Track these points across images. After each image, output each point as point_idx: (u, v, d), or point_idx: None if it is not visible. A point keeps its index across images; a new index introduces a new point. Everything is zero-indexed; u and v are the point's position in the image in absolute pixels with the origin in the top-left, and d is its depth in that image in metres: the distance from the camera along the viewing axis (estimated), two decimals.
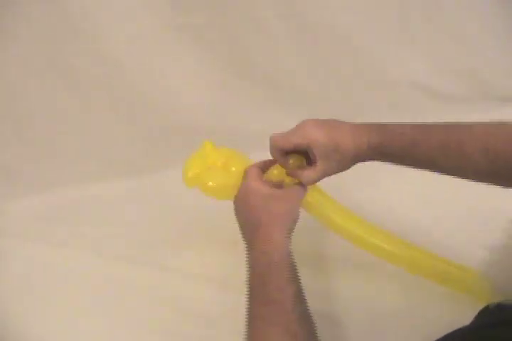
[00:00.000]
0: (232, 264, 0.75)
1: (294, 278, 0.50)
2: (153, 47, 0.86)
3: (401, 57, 0.98)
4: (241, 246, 0.77)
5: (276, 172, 0.60)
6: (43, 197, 0.90)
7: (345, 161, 0.56)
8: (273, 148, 0.58)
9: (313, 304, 0.51)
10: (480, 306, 0.48)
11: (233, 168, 0.62)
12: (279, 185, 0.59)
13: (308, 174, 0.56)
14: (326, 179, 0.58)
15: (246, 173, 0.59)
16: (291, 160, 0.60)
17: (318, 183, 0.60)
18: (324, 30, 0.91)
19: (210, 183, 0.60)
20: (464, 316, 0.47)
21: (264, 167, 0.61)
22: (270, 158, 0.61)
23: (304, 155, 0.59)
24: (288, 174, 0.59)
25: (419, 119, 0.97)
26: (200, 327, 0.67)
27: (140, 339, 0.67)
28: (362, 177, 0.74)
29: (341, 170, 0.58)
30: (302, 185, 0.58)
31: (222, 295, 0.70)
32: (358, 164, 0.58)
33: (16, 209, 0.88)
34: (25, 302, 0.71)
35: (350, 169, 0.58)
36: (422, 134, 0.55)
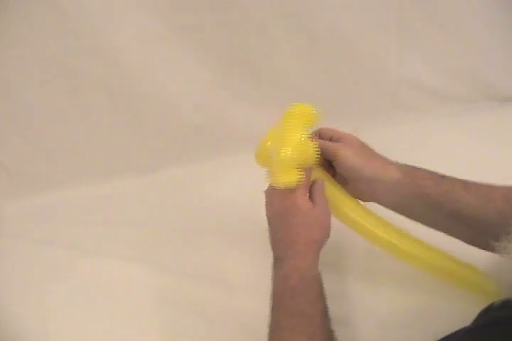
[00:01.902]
0: (232, 264, 0.75)
1: (323, 296, 0.51)
2: (153, 48, 0.86)
3: (401, 57, 0.98)
4: (241, 246, 0.78)
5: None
6: (42, 197, 0.90)
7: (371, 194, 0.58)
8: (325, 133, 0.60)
9: None
10: (483, 305, 0.48)
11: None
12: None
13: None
14: None
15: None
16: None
17: None
18: (324, 30, 0.90)
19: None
20: (467, 316, 0.47)
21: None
22: None
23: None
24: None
25: (420, 119, 0.98)
26: (201, 327, 0.67)
27: (140, 339, 0.67)
28: None
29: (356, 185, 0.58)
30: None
31: (222, 295, 0.70)
32: None
33: (16, 209, 0.88)
34: (25, 303, 0.71)
35: None
36: (445, 177, 0.56)
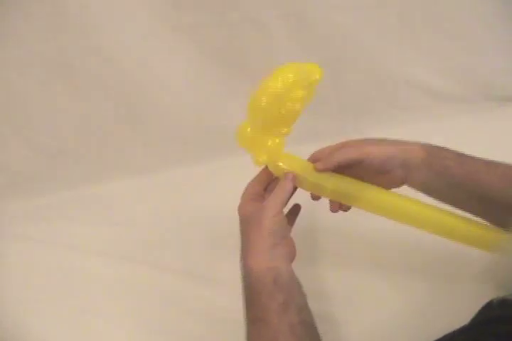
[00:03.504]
0: (232, 264, 0.75)
1: (280, 290, 0.50)
2: (153, 47, 0.86)
3: (401, 57, 0.98)
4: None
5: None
6: (43, 197, 0.90)
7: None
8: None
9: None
10: (482, 301, 0.48)
11: None
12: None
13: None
14: None
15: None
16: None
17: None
18: (324, 29, 0.90)
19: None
20: (466, 314, 0.47)
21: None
22: None
23: None
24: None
25: (419, 119, 0.98)
26: (201, 327, 0.67)
27: (140, 339, 0.67)
28: None
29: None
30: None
31: (222, 295, 0.70)
32: None
33: (16, 209, 0.88)
34: (25, 302, 0.71)
35: None
36: (469, 157, 0.56)
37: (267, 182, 0.61)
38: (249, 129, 0.59)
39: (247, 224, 0.56)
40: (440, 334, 0.47)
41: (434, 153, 0.56)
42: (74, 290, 0.73)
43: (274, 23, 0.88)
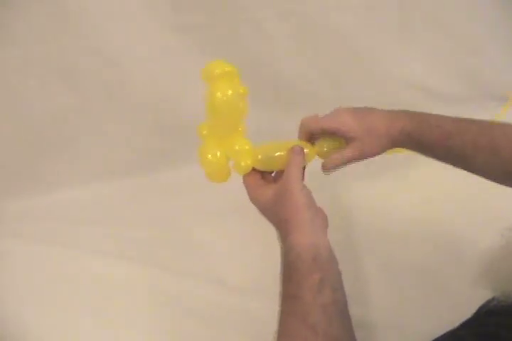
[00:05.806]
0: (232, 264, 0.75)
1: (318, 269, 0.49)
2: (153, 48, 0.86)
3: (401, 57, 0.98)
4: (242, 246, 0.78)
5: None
6: (43, 197, 0.90)
7: (377, 145, 0.57)
8: (302, 129, 0.60)
9: None
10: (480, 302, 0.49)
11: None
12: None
13: (334, 157, 0.57)
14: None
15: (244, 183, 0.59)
16: (325, 144, 0.60)
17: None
18: (324, 30, 0.91)
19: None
20: (462, 314, 0.47)
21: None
22: None
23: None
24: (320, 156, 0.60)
25: None
26: (201, 327, 0.67)
27: (140, 339, 0.67)
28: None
29: (374, 155, 0.58)
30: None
31: (222, 295, 0.70)
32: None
33: (16, 209, 0.88)
34: (25, 302, 0.71)
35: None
36: (456, 128, 0.56)
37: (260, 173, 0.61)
38: (210, 156, 0.61)
39: (276, 205, 0.55)
40: (439, 333, 0.47)
41: (414, 136, 0.57)
42: (74, 289, 0.73)
43: (274, 23, 0.88)
